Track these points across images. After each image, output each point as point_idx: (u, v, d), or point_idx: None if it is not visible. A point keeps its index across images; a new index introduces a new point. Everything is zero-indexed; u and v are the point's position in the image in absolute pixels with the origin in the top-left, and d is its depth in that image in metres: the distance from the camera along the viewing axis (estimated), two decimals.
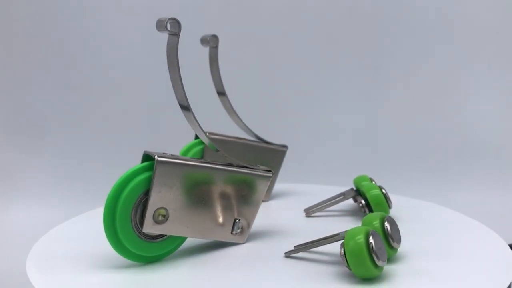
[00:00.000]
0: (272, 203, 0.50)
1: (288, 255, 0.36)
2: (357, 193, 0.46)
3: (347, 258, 0.31)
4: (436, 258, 0.36)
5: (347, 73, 0.88)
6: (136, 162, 0.36)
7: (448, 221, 0.45)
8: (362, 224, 0.36)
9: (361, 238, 0.31)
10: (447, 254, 0.37)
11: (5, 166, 0.85)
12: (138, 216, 0.34)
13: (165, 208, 0.35)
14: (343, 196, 0.46)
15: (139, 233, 0.34)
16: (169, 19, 0.33)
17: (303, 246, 0.36)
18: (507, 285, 0.32)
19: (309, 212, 0.46)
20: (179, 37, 0.33)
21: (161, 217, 0.34)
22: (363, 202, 0.44)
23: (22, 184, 0.84)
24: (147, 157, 0.35)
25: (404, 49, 0.88)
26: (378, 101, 0.89)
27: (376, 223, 0.35)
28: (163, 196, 0.34)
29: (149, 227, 0.34)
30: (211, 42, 0.45)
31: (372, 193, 0.43)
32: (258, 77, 0.88)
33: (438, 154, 0.88)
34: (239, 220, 0.38)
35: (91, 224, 0.45)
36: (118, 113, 0.87)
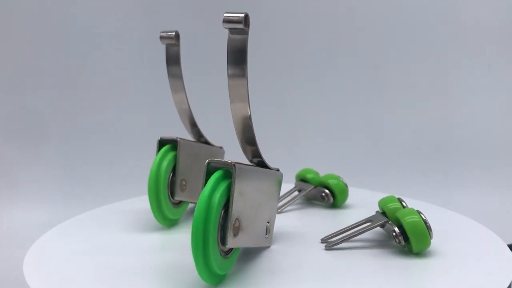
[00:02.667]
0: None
1: (328, 247, 0.38)
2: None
3: (409, 234, 0.36)
4: (435, 258, 0.36)
5: (346, 72, 0.88)
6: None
7: (447, 221, 0.45)
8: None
9: (417, 217, 0.36)
10: (447, 254, 0.37)
11: (5, 166, 0.84)
12: (220, 233, 0.31)
13: (238, 219, 0.32)
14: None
15: (220, 251, 0.31)
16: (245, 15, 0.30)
17: (343, 238, 0.38)
18: (507, 285, 0.32)
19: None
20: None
21: (235, 229, 0.32)
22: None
23: (21, 184, 0.84)
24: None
25: (404, 48, 0.88)
26: (377, 101, 0.89)
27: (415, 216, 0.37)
28: (238, 206, 0.31)
29: (231, 242, 0.31)
30: (173, 39, 0.42)
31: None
32: (258, 76, 0.88)
33: (437, 154, 0.88)
34: (269, 222, 0.37)
35: (90, 224, 0.45)
36: (118, 113, 0.87)
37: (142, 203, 0.47)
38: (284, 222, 0.44)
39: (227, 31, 0.30)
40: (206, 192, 0.30)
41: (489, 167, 0.86)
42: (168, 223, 0.43)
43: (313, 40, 0.88)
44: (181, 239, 0.41)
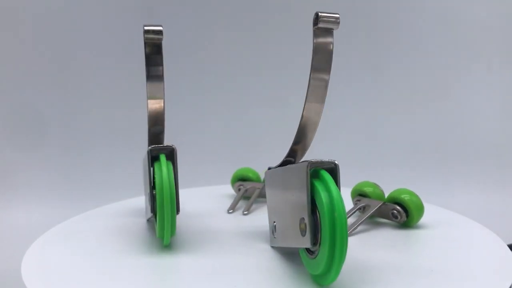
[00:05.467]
0: None
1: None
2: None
3: (410, 209, 0.41)
4: (435, 258, 0.36)
5: (346, 72, 0.88)
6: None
7: (447, 221, 0.45)
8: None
9: (411, 192, 0.42)
10: (446, 255, 0.37)
11: (5, 166, 0.84)
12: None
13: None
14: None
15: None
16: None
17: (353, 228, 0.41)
18: (508, 286, 0.32)
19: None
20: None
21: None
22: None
23: (21, 184, 0.84)
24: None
25: (404, 48, 0.88)
26: (377, 100, 0.89)
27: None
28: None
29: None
30: (160, 35, 0.39)
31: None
32: (257, 76, 0.88)
33: (437, 154, 0.88)
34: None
35: (90, 224, 0.45)
36: (118, 113, 0.86)
37: (142, 203, 0.47)
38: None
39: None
40: (335, 194, 0.29)
41: (489, 167, 0.86)
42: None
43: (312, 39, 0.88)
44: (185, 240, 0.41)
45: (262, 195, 0.51)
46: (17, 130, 0.85)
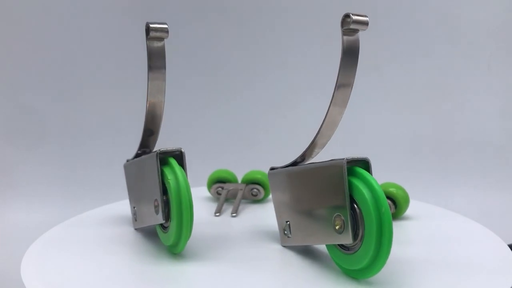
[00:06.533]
0: None
1: None
2: None
3: (401, 201, 0.44)
4: (435, 258, 0.36)
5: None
6: None
7: (447, 221, 0.45)
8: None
9: (397, 185, 0.45)
10: (446, 255, 0.37)
11: (5, 166, 0.84)
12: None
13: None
14: None
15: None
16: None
17: None
18: (508, 286, 0.32)
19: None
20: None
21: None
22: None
23: (20, 184, 0.84)
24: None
25: (404, 48, 0.88)
26: (377, 100, 0.89)
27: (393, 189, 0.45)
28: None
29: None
30: (166, 33, 0.37)
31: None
32: (257, 76, 0.88)
33: (437, 154, 0.88)
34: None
35: (90, 224, 0.45)
36: (118, 113, 0.86)
37: None
38: None
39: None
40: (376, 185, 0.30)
41: (489, 167, 0.86)
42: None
43: (312, 40, 0.88)
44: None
45: (244, 196, 0.51)
46: (17, 129, 0.85)
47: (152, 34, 0.37)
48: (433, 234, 0.42)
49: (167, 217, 0.35)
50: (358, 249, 0.31)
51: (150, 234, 0.42)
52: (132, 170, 0.41)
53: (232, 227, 0.44)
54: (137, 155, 0.41)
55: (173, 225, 0.34)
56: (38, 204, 0.82)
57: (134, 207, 0.42)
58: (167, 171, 0.35)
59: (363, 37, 0.33)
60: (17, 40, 0.85)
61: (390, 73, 0.89)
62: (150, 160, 0.36)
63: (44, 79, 0.85)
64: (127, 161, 0.43)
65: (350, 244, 0.31)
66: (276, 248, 0.38)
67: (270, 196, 0.50)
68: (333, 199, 0.31)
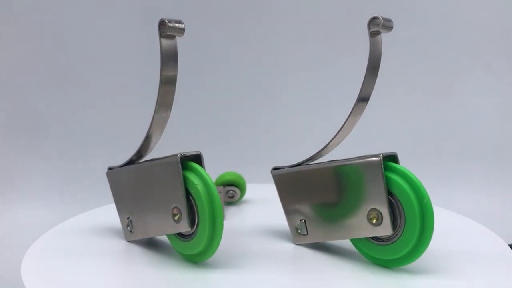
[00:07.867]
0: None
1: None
2: None
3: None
4: (435, 258, 0.36)
5: (346, 72, 0.88)
6: None
7: (448, 221, 0.45)
8: None
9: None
10: (447, 255, 0.37)
11: (5, 166, 0.84)
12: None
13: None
14: None
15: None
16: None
17: None
18: (509, 286, 0.32)
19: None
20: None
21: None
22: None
23: (21, 184, 0.84)
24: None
25: (404, 48, 0.88)
26: (376, 101, 0.88)
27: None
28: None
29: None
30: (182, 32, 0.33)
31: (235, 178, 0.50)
32: (257, 76, 0.87)
33: (437, 154, 0.88)
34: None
35: (90, 224, 0.45)
36: (119, 113, 0.86)
37: None
38: None
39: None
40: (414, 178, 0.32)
41: (489, 167, 0.86)
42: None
43: (312, 40, 0.88)
44: None
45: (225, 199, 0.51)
46: (17, 130, 0.85)
47: (170, 32, 0.32)
48: (433, 234, 0.41)
49: (192, 224, 0.33)
50: (397, 240, 0.32)
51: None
52: (124, 177, 0.39)
53: (226, 230, 0.44)
54: (130, 161, 0.38)
55: (203, 231, 0.32)
56: (38, 204, 0.82)
57: (128, 218, 0.39)
58: (190, 176, 0.33)
59: (363, 37, 0.34)
60: (17, 40, 0.85)
61: (390, 73, 0.89)
62: (166, 166, 0.34)
63: (44, 79, 0.85)
64: (110, 169, 0.40)
65: (386, 235, 0.33)
66: (288, 246, 0.39)
67: (244, 197, 0.52)
68: (369, 195, 0.33)
